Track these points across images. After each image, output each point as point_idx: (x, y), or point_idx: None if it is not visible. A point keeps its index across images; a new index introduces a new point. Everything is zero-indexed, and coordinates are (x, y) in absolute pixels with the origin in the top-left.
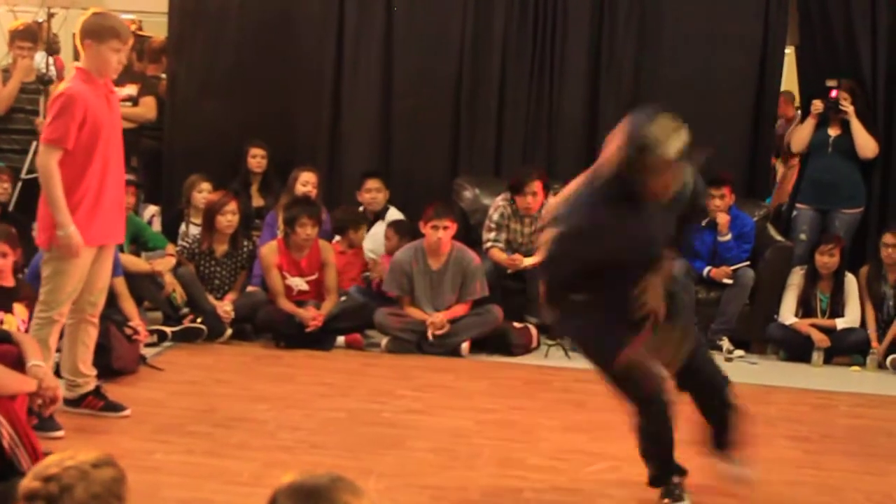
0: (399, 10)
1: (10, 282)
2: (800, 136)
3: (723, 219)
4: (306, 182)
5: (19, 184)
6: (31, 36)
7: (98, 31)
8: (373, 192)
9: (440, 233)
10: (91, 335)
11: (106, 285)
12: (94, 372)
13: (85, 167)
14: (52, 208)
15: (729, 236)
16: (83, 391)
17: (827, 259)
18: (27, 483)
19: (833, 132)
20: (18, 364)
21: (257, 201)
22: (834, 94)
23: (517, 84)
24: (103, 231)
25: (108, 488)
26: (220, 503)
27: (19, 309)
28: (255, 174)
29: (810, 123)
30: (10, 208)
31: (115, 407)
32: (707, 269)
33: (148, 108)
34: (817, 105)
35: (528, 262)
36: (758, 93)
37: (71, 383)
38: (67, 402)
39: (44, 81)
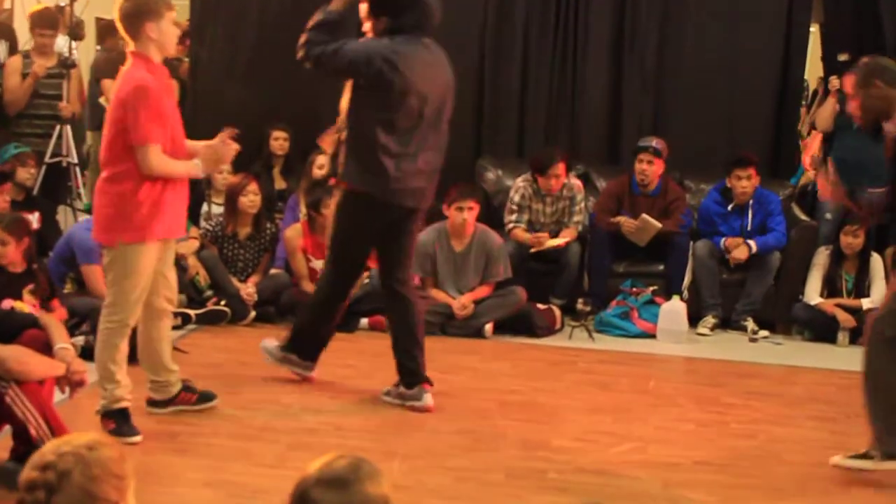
0: None
1: (18, 268)
2: (823, 114)
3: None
4: (322, 165)
5: (43, 168)
6: (51, 22)
7: (152, 7)
8: None
9: (465, 214)
10: (168, 329)
11: (175, 277)
12: (177, 367)
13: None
14: (182, 173)
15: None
16: (174, 390)
17: (852, 239)
18: (26, 473)
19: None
20: (46, 348)
21: (279, 184)
22: (845, 56)
23: (539, 65)
24: (170, 224)
25: (106, 469)
26: (245, 485)
27: (29, 296)
28: (278, 157)
29: (831, 102)
30: (35, 192)
31: (208, 397)
32: (722, 240)
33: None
34: (834, 82)
35: (553, 242)
36: (782, 71)
37: (158, 384)
38: (155, 403)
39: (66, 65)
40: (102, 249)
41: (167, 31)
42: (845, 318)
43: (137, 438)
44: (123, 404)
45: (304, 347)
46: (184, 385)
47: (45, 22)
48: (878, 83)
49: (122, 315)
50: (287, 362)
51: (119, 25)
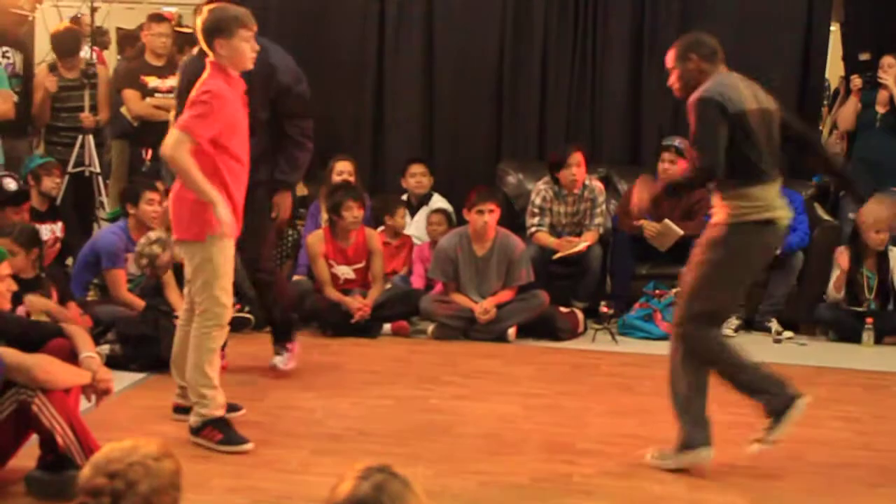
0: None
1: (27, 275)
2: (845, 114)
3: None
4: (342, 171)
5: (66, 178)
6: (71, 49)
7: (223, 26)
8: (417, 177)
9: (486, 216)
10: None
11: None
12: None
13: (217, 165)
14: (199, 190)
15: None
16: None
17: (878, 236)
18: (90, 478)
19: (881, 109)
20: (72, 357)
21: (301, 190)
22: (867, 56)
23: (559, 67)
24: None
25: (169, 481)
26: (269, 491)
27: (31, 302)
28: None
29: (853, 101)
30: (58, 202)
31: (234, 408)
32: None
33: None
34: (856, 81)
35: (580, 245)
36: (803, 71)
37: (185, 389)
38: (183, 410)
39: (88, 76)
40: (186, 255)
41: (239, 49)
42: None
43: (250, 446)
44: (223, 411)
45: None
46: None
47: (65, 50)
48: (693, 57)
49: (217, 319)
50: None
51: (199, 41)
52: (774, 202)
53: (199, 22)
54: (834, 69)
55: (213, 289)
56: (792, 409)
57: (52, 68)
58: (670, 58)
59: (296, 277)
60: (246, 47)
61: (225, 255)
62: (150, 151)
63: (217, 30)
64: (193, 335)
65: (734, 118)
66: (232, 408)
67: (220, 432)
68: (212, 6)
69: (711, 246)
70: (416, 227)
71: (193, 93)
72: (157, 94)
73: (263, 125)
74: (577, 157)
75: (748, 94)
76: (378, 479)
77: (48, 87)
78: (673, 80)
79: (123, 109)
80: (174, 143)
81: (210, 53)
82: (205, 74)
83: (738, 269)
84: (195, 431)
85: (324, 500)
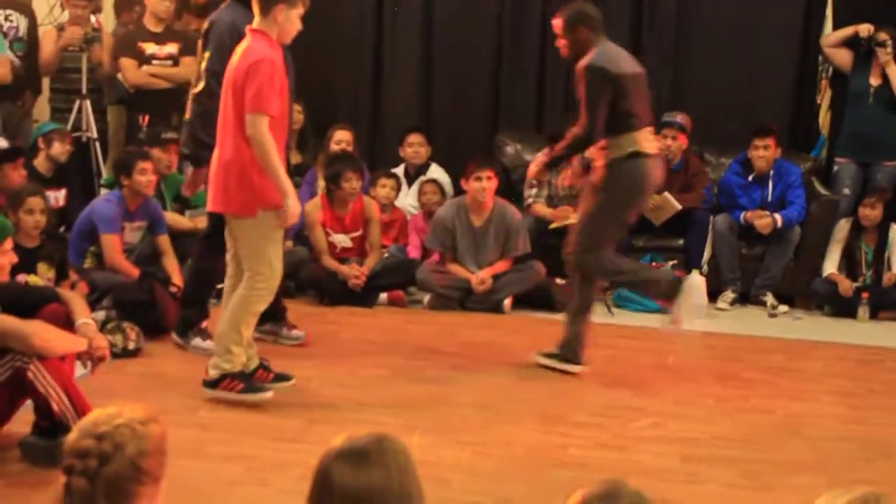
0: None
1: (32, 243)
2: (836, 36)
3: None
4: (340, 140)
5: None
6: None
7: None
8: (415, 147)
9: (484, 183)
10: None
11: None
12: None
13: (276, 137)
14: (274, 177)
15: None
16: (252, 365)
17: (870, 211)
18: (77, 440)
19: (874, 81)
20: (67, 323)
21: (295, 158)
22: (868, 32)
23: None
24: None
25: (156, 445)
26: (265, 459)
27: (43, 269)
28: (293, 131)
29: (849, 31)
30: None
31: (284, 377)
32: (742, 213)
33: (188, 69)
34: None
35: (574, 218)
36: (802, 44)
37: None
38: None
39: (87, 40)
40: (233, 227)
41: (294, 21)
42: (846, 287)
43: (271, 394)
44: (243, 367)
45: None
46: (261, 363)
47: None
48: (582, 28)
49: (266, 283)
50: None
51: None
52: (642, 142)
53: None
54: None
55: (265, 255)
56: (684, 285)
57: (60, 28)
58: (558, 26)
59: (288, 244)
60: (298, 24)
61: (275, 226)
62: (146, 118)
63: None
64: (240, 293)
65: (614, 80)
66: (281, 377)
67: (240, 382)
68: None
69: (595, 189)
70: (412, 196)
71: (239, 61)
72: (154, 62)
73: None
74: None
75: (626, 61)
76: (378, 433)
77: (69, 36)
78: (561, 45)
79: (119, 76)
80: (255, 126)
81: (260, 17)
82: (246, 43)
83: (617, 201)
84: (213, 384)
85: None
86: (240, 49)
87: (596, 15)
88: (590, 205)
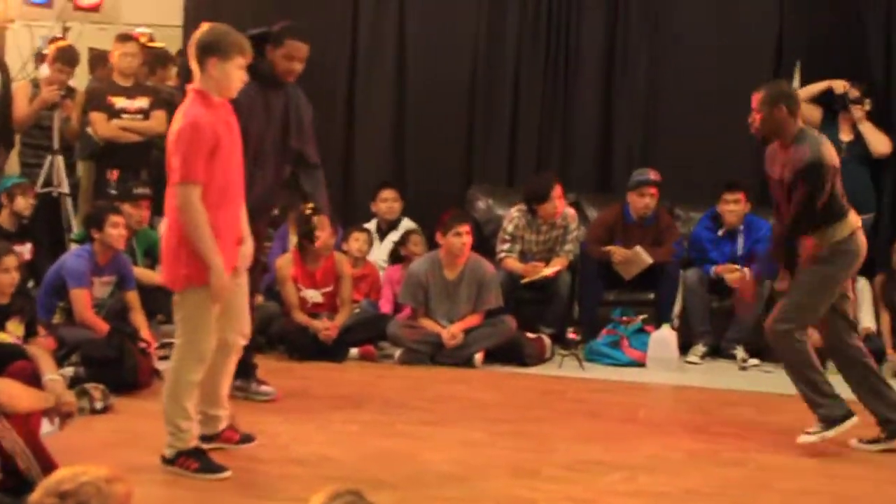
0: (412, 20)
1: (4, 299)
2: (807, 91)
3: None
4: None
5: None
6: (72, 60)
7: (222, 46)
8: (389, 202)
9: (464, 238)
10: (233, 365)
11: (248, 311)
12: (228, 406)
13: (221, 201)
14: (203, 252)
15: None
16: (221, 426)
17: None
18: (41, 499)
19: (845, 137)
20: (34, 379)
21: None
22: (844, 88)
23: (530, 94)
24: (230, 261)
25: (120, 503)
26: None
27: (12, 326)
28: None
29: (822, 86)
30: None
31: (249, 438)
32: (712, 267)
33: (159, 122)
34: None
35: (546, 272)
36: None
37: (208, 417)
38: (200, 437)
39: (64, 97)
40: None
41: (231, 75)
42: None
43: (228, 473)
44: (196, 443)
45: None
46: (229, 424)
47: (67, 59)
48: (783, 108)
49: (198, 354)
50: None
51: (190, 52)
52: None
53: (196, 36)
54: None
55: (197, 329)
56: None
57: (35, 84)
58: (757, 99)
59: (259, 299)
60: (237, 75)
61: (205, 303)
62: (115, 172)
63: (214, 49)
64: (172, 367)
65: (835, 174)
66: (247, 438)
67: (195, 461)
68: (213, 25)
69: (811, 260)
70: (384, 251)
71: (173, 125)
72: (124, 115)
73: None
74: (558, 190)
75: (833, 151)
76: (348, 500)
77: (46, 96)
78: (755, 120)
79: (89, 129)
80: (181, 197)
81: (197, 72)
82: (184, 103)
83: (836, 276)
84: (169, 462)
85: None
86: (177, 111)
87: (796, 98)
88: (803, 275)
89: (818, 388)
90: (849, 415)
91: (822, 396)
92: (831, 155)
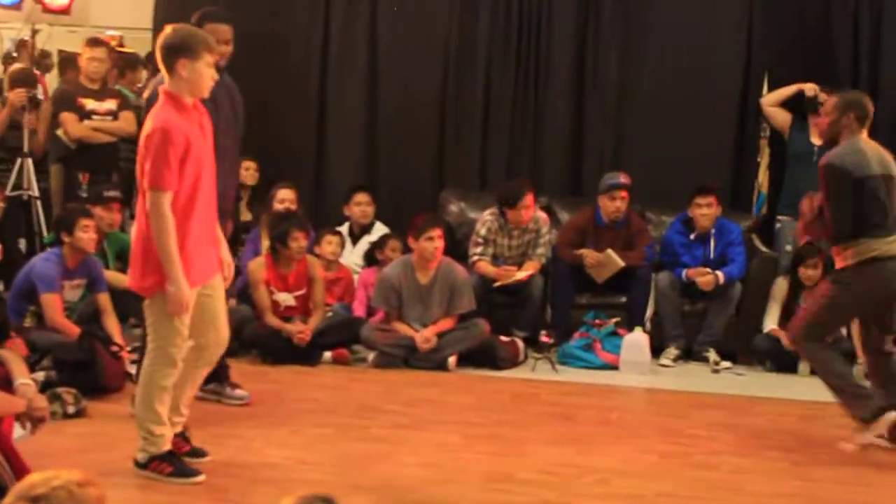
0: (384, 23)
1: None
2: (777, 95)
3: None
4: (283, 199)
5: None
6: (29, 81)
7: (190, 46)
8: (362, 206)
9: (436, 242)
10: (202, 376)
11: (226, 319)
12: (186, 413)
13: (190, 207)
14: (164, 260)
15: None
16: (175, 431)
17: (812, 272)
18: (12, 503)
19: (816, 141)
20: (6, 384)
21: (245, 215)
22: (814, 91)
23: (501, 98)
24: (204, 269)
25: None
26: None
27: None
28: (247, 187)
29: (792, 89)
30: None
31: (199, 453)
32: (684, 271)
33: (128, 122)
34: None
35: (519, 275)
36: (741, 105)
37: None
38: None
39: (32, 101)
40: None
41: (201, 73)
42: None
43: (202, 477)
44: (169, 447)
45: None
46: (181, 433)
47: (22, 82)
48: (851, 115)
49: (168, 358)
50: None
51: (157, 56)
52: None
53: (161, 39)
54: None
55: (167, 335)
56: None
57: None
58: (831, 103)
59: (231, 302)
60: (208, 73)
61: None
62: (87, 175)
63: (183, 49)
64: (144, 372)
65: (856, 183)
66: (196, 452)
67: (169, 465)
68: (178, 25)
69: (835, 279)
70: (357, 255)
71: (144, 129)
72: (94, 117)
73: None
74: (528, 199)
75: (874, 160)
76: (326, 497)
77: (13, 100)
78: (823, 123)
79: (60, 132)
80: (151, 203)
81: (166, 75)
82: (156, 107)
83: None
84: (142, 466)
85: None
86: (149, 114)
87: (868, 110)
88: (825, 293)
89: (843, 391)
90: (880, 412)
91: (849, 399)
92: (858, 165)
